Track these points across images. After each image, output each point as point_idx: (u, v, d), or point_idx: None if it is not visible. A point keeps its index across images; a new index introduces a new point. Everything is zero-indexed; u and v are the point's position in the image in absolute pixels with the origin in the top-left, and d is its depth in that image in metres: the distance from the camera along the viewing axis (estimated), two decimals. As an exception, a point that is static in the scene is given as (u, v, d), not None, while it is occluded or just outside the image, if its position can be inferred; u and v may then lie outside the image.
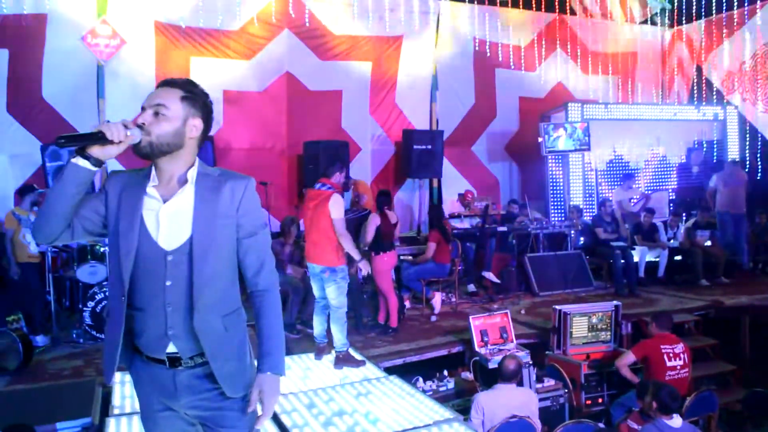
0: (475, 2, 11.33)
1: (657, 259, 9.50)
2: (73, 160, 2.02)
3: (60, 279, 7.58)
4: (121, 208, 2.15)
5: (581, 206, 10.49)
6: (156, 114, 2.13)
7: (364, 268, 5.83)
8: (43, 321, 6.80)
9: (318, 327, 5.87)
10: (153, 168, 2.18)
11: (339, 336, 5.58)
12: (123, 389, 4.85)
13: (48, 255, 6.89)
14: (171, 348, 2.15)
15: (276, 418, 4.29)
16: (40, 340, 6.53)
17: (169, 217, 2.13)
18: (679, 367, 5.58)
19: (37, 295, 6.82)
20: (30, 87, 8.47)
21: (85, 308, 6.72)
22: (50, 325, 6.85)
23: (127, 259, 2.10)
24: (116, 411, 4.43)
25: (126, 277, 2.11)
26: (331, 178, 5.68)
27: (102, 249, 7.10)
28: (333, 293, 5.55)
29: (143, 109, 2.15)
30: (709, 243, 9.64)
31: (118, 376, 5.09)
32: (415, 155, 9.92)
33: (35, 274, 6.84)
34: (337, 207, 5.50)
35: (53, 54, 8.53)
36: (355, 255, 5.64)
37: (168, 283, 2.11)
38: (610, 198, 10.23)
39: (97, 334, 6.75)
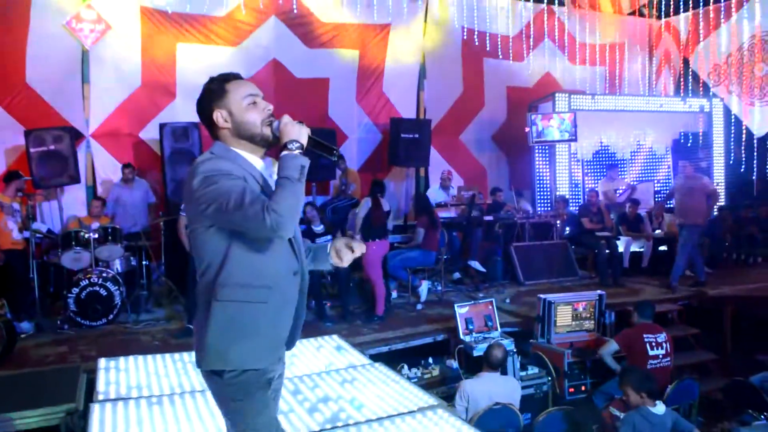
0: (464, -9, 11.31)
1: (641, 250, 9.58)
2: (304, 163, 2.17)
3: (44, 265, 7.54)
4: None
5: (567, 197, 10.55)
6: None
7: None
8: (27, 307, 6.76)
9: None
10: (254, 155, 2.31)
11: None
12: (108, 375, 4.83)
13: (32, 241, 6.84)
14: None
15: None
16: (24, 326, 6.51)
17: None
18: (661, 356, 5.64)
19: (20, 281, 6.77)
20: (14, 72, 8.37)
21: (69, 295, 6.70)
22: (34, 312, 6.81)
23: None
24: (101, 397, 4.41)
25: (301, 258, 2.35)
26: None
27: (86, 235, 7.06)
28: None
29: (257, 101, 2.29)
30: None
31: (102, 362, 5.09)
32: (403, 144, 9.91)
33: (19, 261, 6.79)
34: None
35: (37, 39, 8.42)
36: None
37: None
38: (596, 188, 10.28)
39: (82, 321, 6.73)
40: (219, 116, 2.28)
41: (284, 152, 2.17)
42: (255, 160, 2.31)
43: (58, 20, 8.48)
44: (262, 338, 2.25)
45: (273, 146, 2.28)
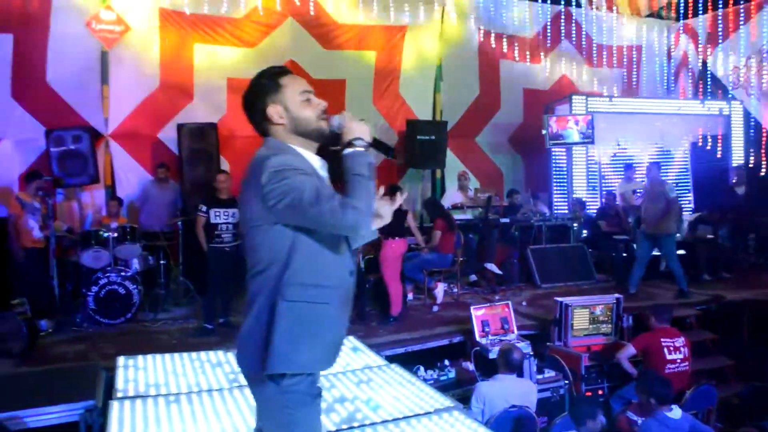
0: (481, -7, 11.30)
1: (659, 253, 9.49)
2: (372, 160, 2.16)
3: (64, 264, 7.61)
4: None
5: (584, 199, 10.49)
6: None
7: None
8: (47, 305, 6.83)
9: None
10: (309, 152, 2.28)
11: None
12: (126, 373, 4.87)
13: (52, 240, 6.91)
14: None
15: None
16: (44, 324, 6.58)
17: None
18: (679, 361, 5.60)
19: (41, 279, 6.85)
20: (34, 72, 8.45)
21: (88, 293, 6.77)
22: (54, 310, 6.87)
23: None
24: (119, 394, 4.45)
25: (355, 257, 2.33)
26: None
27: (106, 234, 7.12)
28: None
29: (310, 97, 2.26)
30: (711, 237, 9.63)
31: (121, 360, 5.13)
32: (419, 145, 9.91)
33: (39, 259, 6.86)
34: None
35: (58, 39, 8.50)
36: None
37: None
38: (614, 191, 10.21)
39: (101, 319, 6.80)
40: (274, 112, 2.23)
41: (350, 149, 2.14)
42: (311, 156, 2.27)
43: (78, 21, 8.56)
44: (326, 340, 2.21)
45: (327, 142, 2.26)
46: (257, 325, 2.17)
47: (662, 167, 11.15)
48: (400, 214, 7.18)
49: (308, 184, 2.05)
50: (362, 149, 2.13)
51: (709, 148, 11.74)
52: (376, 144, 2.25)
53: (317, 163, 2.27)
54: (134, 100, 9.04)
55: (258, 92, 2.25)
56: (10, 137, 8.42)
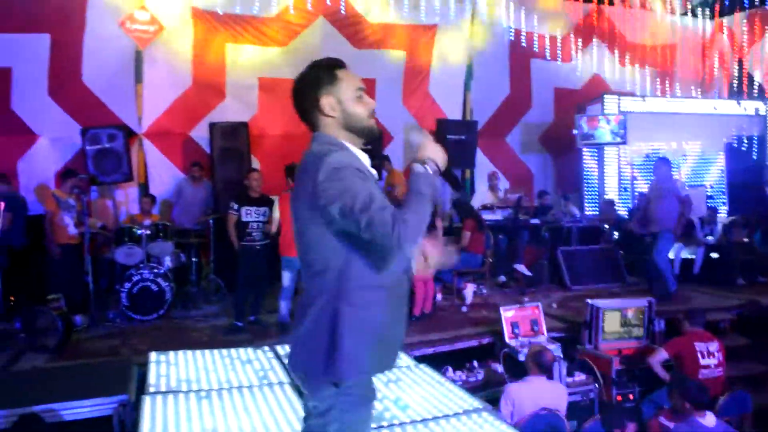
0: (512, -8, 11.23)
1: (693, 257, 9.34)
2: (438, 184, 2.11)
3: (98, 260, 7.74)
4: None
5: (615, 200, 10.36)
6: None
7: None
8: (82, 301, 6.94)
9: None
10: (357, 149, 2.24)
11: (284, 309, 6.56)
12: (158, 368, 4.93)
13: (86, 237, 7.03)
14: None
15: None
16: (78, 319, 6.69)
17: None
18: (713, 366, 5.49)
19: (76, 275, 6.95)
20: (70, 71, 8.63)
21: (122, 289, 6.88)
22: (88, 306, 6.99)
23: None
24: (152, 389, 4.51)
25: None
26: None
27: (139, 231, 7.22)
28: (289, 278, 6.50)
29: (363, 94, 2.23)
30: (746, 240, 9.45)
31: (153, 355, 5.20)
32: (449, 145, 9.83)
33: (74, 255, 6.97)
34: None
35: (93, 39, 8.67)
36: None
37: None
38: (646, 193, 10.05)
39: (134, 315, 6.90)
40: (326, 104, 2.18)
41: (420, 167, 2.09)
42: (361, 153, 2.22)
43: (113, 21, 8.71)
44: (387, 342, 2.18)
45: (371, 141, 2.25)
46: (317, 329, 2.12)
47: (697, 169, 10.97)
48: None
49: (363, 188, 1.98)
50: (431, 172, 2.09)
51: (744, 149, 11.51)
52: (447, 174, 2.21)
53: (367, 162, 2.22)
54: (167, 98, 9.16)
55: (312, 83, 2.21)
56: (47, 135, 8.61)
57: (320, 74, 2.21)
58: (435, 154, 2.13)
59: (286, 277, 6.55)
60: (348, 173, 2.01)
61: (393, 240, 1.92)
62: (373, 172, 2.26)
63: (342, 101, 2.18)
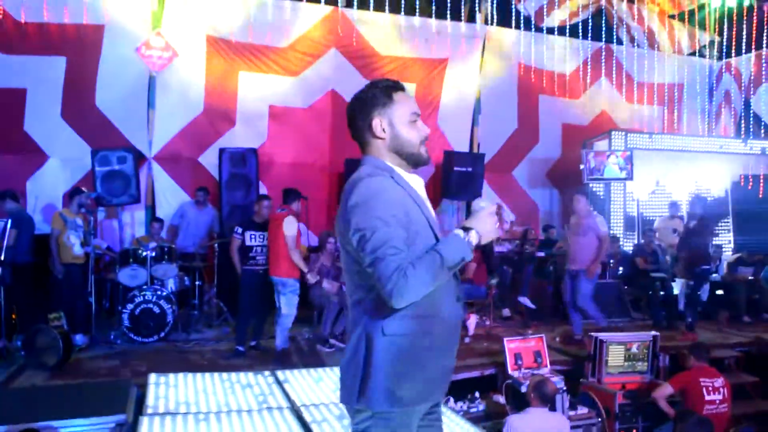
0: (522, 28, 11.36)
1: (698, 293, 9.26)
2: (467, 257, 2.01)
3: (101, 280, 7.77)
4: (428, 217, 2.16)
5: (618, 236, 10.33)
6: None
7: (327, 285, 7.03)
8: (83, 320, 6.94)
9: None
10: (402, 171, 2.19)
11: (279, 337, 6.52)
12: (157, 390, 4.91)
13: (91, 257, 7.05)
14: None
15: (307, 428, 4.30)
16: (79, 338, 6.69)
17: None
18: (718, 402, 5.43)
19: (79, 294, 6.96)
20: (84, 94, 8.77)
21: (124, 310, 6.89)
22: (90, 325, 6.98)
23: None
24: (150, 410, 4.49)
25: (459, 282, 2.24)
26: (291, 205, 6.61)
27: (144, 253, 7.24)
28: (283, 302, 6.50)
29: (417, 120, 2.21)
30: (752, 278, 9.40)
31: (153, 377, 5.18)
32: (455, 177, 9.93)
33: (78, 275, 6.98)
34: (289, 226, 6.39)
35: (108, 63, 8.83)
36: (303, 268, 6.56)
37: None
38: (653, 228, 10.04)
39: (135, 336, 6.89)
40: (378, 124, 2.16)
41: (461, 233, 2.01)
42: (411, 177, 2.19)
43: (128, 46, 8.86)
44: (429, 373, 2.10)
45: (419, 166, 2.20)
46: (354, 358, 2.10)
47: (703, 205, 10.91)
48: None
49: (384, 224, 1.93)
50: (468, 240, 2.00)
51: (750, 188, 11.50)
52: (478, 247, 2.12)
53: (419, 185, 2.20)
54: (178, 123, 9.25)
55: (367, 102, 2.19)
56: (57, 156, 8.71)
57: (376, 94, 2.19)
58: (484, 227, 2.05)
59: (276, 298, 6.65)
60: (380, 204, 1.98)
61: (386, 290, 1.90)
62: (423, 193, 2.21)
63: (394, 124, 2.17)
